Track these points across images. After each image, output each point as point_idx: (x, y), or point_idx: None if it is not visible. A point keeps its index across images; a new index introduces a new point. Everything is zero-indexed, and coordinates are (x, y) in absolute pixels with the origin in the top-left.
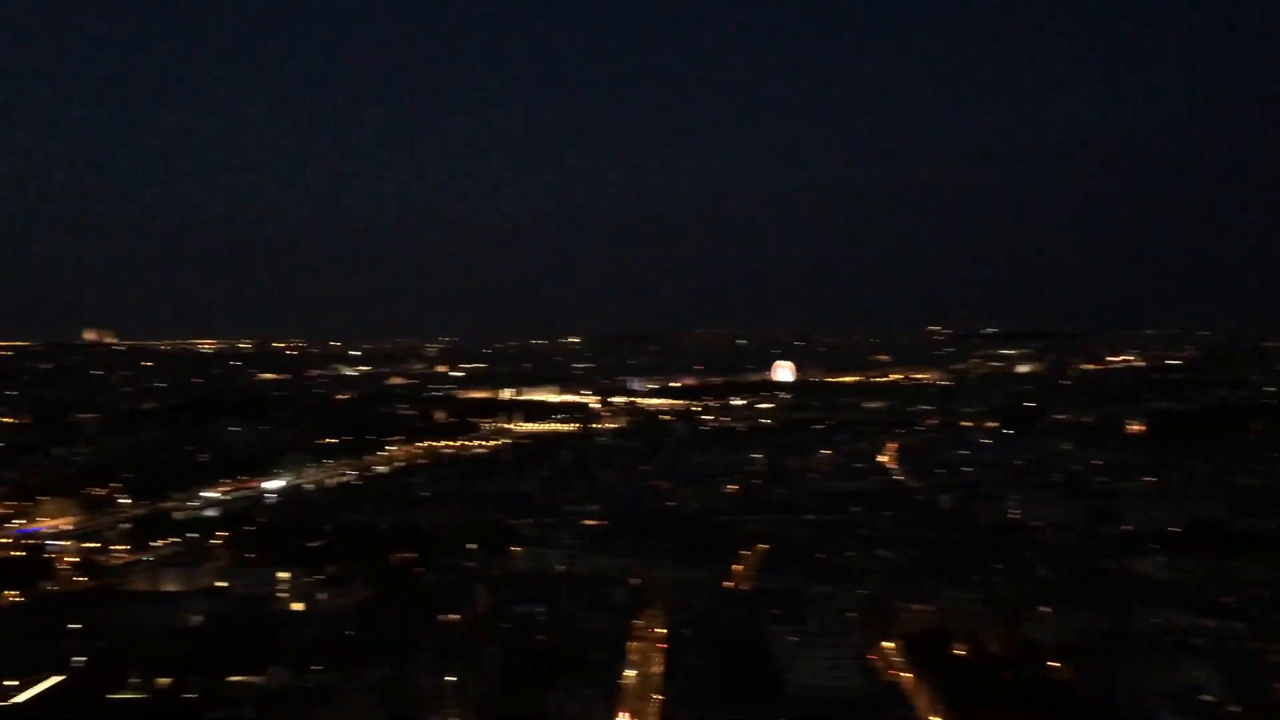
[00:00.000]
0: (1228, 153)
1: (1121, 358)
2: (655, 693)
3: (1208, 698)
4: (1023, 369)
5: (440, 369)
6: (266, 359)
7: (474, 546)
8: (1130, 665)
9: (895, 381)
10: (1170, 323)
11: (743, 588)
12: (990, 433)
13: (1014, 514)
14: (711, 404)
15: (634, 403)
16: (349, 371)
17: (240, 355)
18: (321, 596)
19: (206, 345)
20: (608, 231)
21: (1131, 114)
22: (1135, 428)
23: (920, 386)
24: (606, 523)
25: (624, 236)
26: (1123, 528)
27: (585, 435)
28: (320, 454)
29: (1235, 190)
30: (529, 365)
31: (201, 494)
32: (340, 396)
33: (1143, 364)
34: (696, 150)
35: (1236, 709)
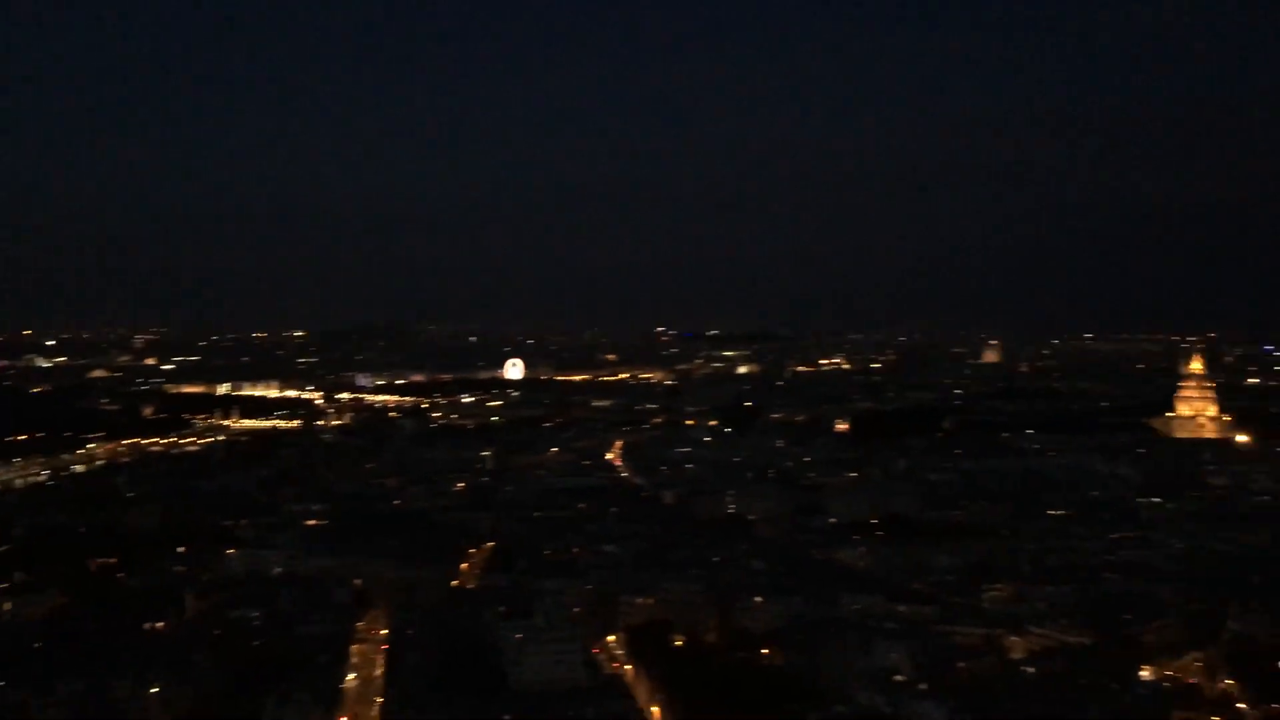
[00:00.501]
0: (925, 168)
1: (831, 361)
2: (377, 695)
3: (900, 677)
4: (743, 370)
5: (149, 361)
6: None
7: (184, 549)
8: (832, 649)
9: (623, 380)
10: (874, 328)
11: (469, 586)
12: (712, 431)
13: (731, 508)
14: (441, 401)
15: (361, 399)
16: (43, 362)
17: None
18: (6, 606)
19: None
20: (335, 223)
21: (841, 120)
22: (841, 426)
23: (647, 385)
24: (329, 522)
25: (353, 229)
26: (829, 520)
27: (308, 432)
28: (9, 452)
29: (929, 203)
30: (248, 359)
31: None
32: (33, 389)
33: (849, 367)
34: (426, 145)
35: (925, 686)
